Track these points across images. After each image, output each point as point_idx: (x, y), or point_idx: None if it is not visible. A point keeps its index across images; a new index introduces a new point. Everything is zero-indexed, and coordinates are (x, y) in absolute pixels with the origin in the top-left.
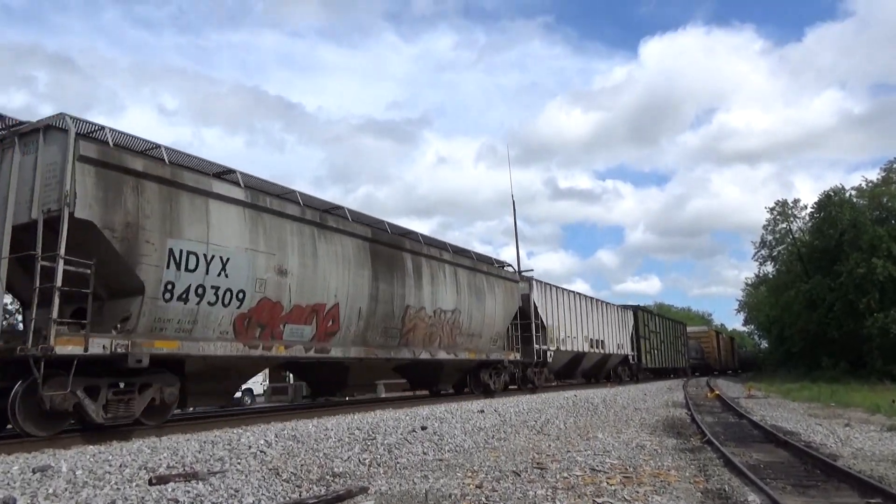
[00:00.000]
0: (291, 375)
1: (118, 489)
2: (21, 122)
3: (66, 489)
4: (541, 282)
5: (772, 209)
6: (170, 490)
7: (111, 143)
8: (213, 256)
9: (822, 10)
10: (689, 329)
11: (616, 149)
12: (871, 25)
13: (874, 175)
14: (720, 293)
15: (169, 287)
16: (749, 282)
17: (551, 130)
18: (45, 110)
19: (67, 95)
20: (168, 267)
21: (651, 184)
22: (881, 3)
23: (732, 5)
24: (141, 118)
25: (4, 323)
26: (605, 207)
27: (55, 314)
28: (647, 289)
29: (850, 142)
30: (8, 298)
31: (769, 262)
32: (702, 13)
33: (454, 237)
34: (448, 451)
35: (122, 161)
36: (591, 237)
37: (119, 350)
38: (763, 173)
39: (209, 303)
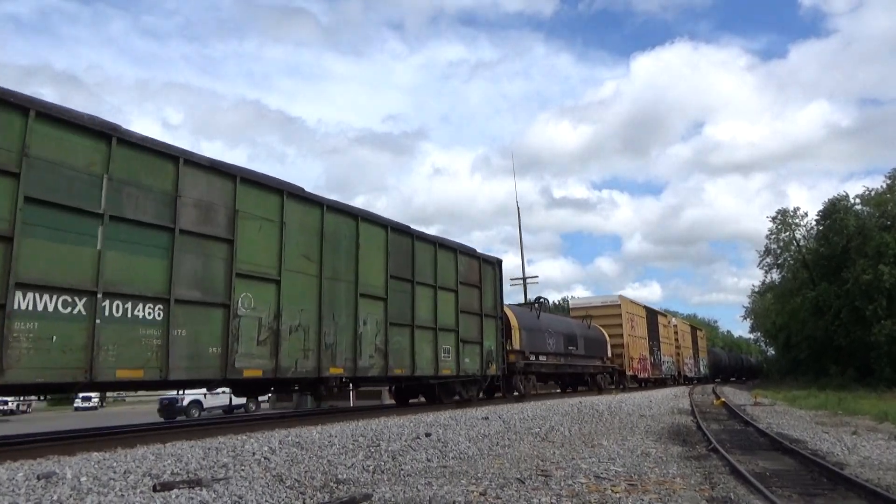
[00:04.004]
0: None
1: (122, 496)
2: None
3: (70, 496)
4: None
5: (774, 218)
6: (174, 497)
7: None
8: None
9: (806, 28)
10: (575, 304)
11: (610, 159)
12: (854, 42)
13: (878, 182)
14: (721, 300)
15: None
16: (755, 289)
17: (545, 141)
18: None
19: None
20: None
21: (646, 193)
22: (863, 21)
23: (718, 22)
24: (144, 133)
25: None
26: (601, 216)
27: None
28: (648, 296)
29: (840, 153)
30: None
31: (774, 270)
32: (688, 29)
33: None
34: (452, 457)
35: None
36: (590, 245)
37: None
38: (756, 183)
39: None
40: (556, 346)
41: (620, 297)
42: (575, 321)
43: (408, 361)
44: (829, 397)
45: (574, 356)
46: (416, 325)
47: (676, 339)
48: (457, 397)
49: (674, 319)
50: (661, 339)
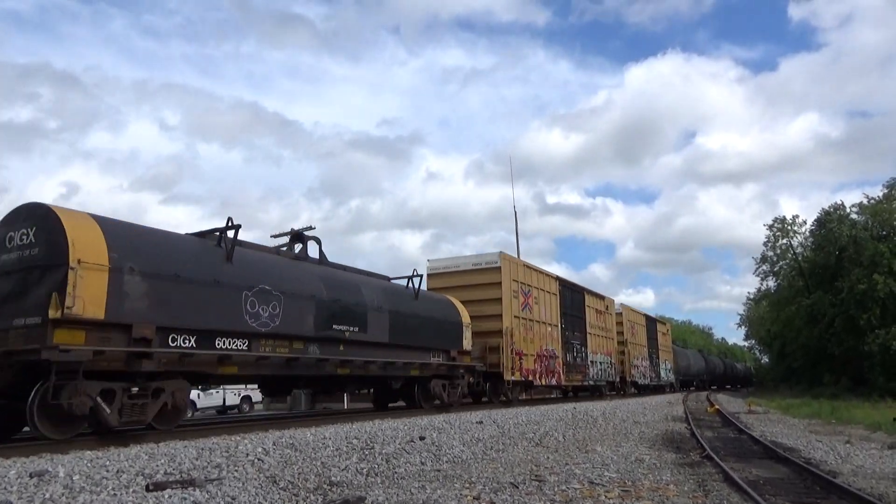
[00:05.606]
0: None
1: (115, 495)
2: None
3: (63, 494)
4: None
5: (771, 225)
6: (167, 497)
7: None
8: None
9: (796, 42)
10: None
11: (603, 167)
12: (843, 56)
13: (872, 193)
14: (714, 307)
15: None
16: (751, 296)
17: (538, 148)
18: (49, 125)
19: (70, 111)
20: None
21: (639, 201)
22: (852, 36)
23: (709, 35)
24: (142, 134)
25: None
26: (595, 223)
27: None
28: (642, 301)
29: (830, 164)
30: None
31: (770, 278)
32: (680, 41)
33: (448, 250)
34: (446, 461)
35: None
36: (584, 251)
37: None
38: (748, 193)
39: None
40: (284, 322)
41: (503, 255)
42: (385, 283)
43: None
44: (823, 406)
45: (354, 344)
46: None
47: (621, 333)
48: None
49: (618, 304)
50: (588, 330)
